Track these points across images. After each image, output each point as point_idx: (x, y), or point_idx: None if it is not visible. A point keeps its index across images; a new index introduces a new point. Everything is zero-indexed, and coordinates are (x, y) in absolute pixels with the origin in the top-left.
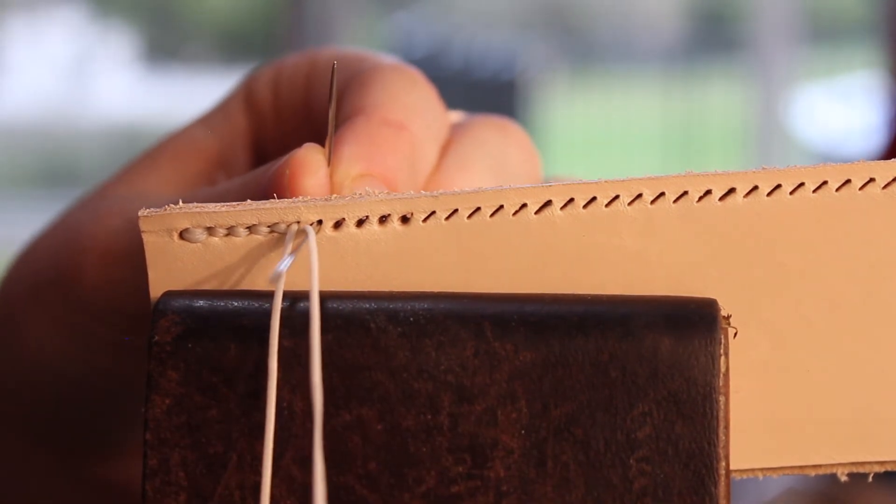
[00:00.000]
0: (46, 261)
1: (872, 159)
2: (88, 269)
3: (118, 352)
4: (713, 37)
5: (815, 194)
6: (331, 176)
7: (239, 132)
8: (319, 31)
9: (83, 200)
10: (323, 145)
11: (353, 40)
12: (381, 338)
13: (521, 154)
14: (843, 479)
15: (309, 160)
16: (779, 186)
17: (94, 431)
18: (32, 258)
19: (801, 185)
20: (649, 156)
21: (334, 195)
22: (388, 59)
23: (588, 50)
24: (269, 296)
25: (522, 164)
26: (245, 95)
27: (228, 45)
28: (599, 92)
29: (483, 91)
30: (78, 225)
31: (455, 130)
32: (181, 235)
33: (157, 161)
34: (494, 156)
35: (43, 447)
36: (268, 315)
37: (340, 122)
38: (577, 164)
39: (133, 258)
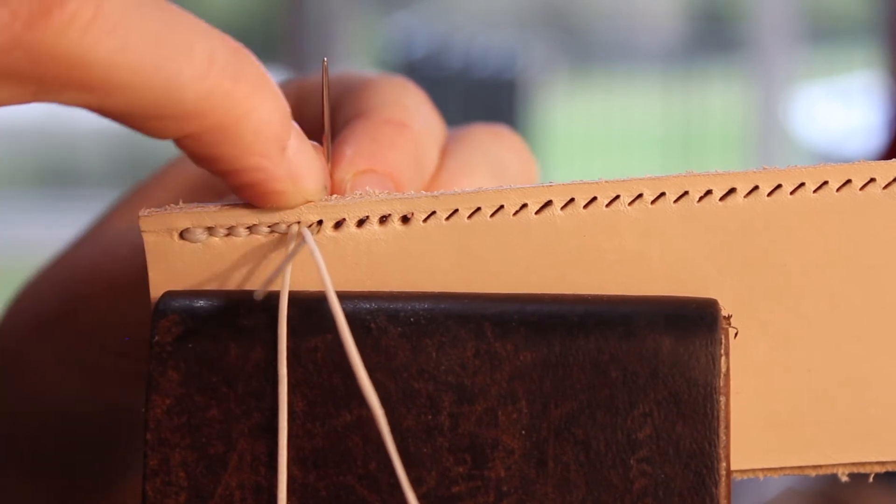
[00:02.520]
0: (51, 296)
1: (873, 159)
2: (96, 301)
3: (125, 384)
4: (713, 37)
5: (815, 194)
6: (331, 175)
7: None
8: (319, 31)
9: (82, 238)
10: None
11: (353, 40)
12: (382, 338)
13: (518, 158)
14: (844, 479)
15: None
16: (779, 186)
17: (94, 473)
18: (36, 295)
19: (802, 185)
20: (649, 156)
21: (335, 195)
22: (377, 72)
23: (588, 50)
24: (270, 296)
25: (520, 168)
26: None
27: None
28: (599, 92)
29: (483, 91)
30: (82, 260)
31: (452, 137)
32: (182, 235)
33: (151, 193)
34: (494, 160)
35: (42, 487)
36: (268, 315)
37: (340, 128)
38: (577, 164)
39: (141, 286)
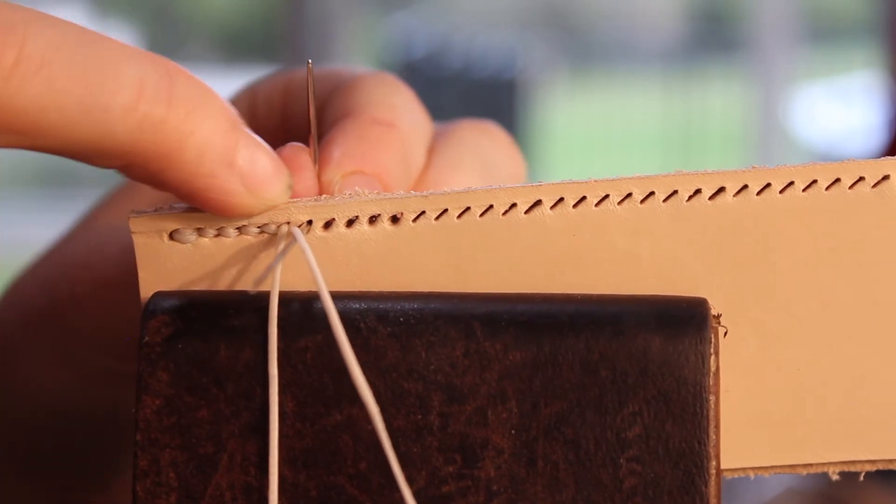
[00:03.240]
0: (40, 293)
1: (869, 158)
2: (85, 297)
3: (115, 380)
4: (713, 37)
5: (804, 193)
6: (319, 175)
7: None
8: (319, 31)
9: (71, 233)
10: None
11: (353, 40)
12: (371, 338)
13: (506, 156)
14: (835, 477)
15: (294, 158)
16: (768, 185)
17: (89, 473)
18: (24, 291)
19: (791, 184)
20: (649, 156)
21: (324, 195)
22: (365, 69)
23: (588, 50)
24: (260, 296)
25: (508, 166)
26: None
27: (228, 45)
28: (599, 92)
29: (483, 91)
30: (71, 257)
31: (439, 134)
32: (171, 236)
33: (139, 188)
34: (482, 157)
35: (34, 483)
36: (258, 315)
37: (327, 127)
38: (577, 164)
39: (132, 285)
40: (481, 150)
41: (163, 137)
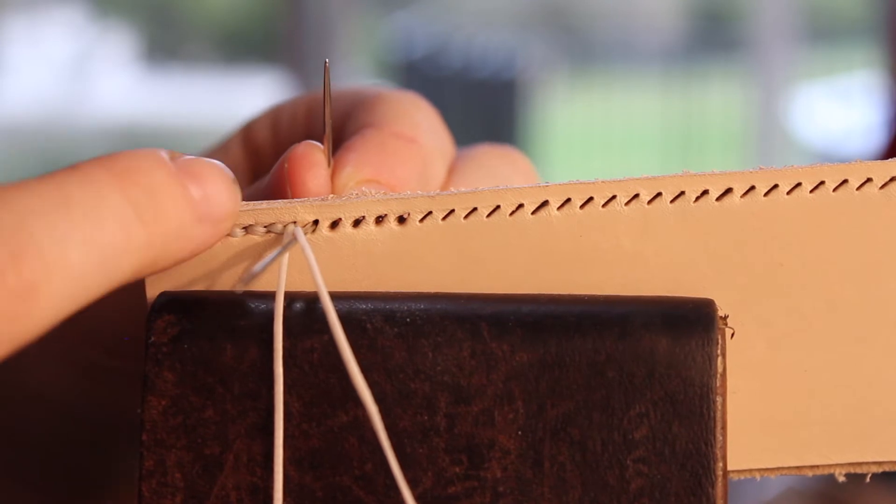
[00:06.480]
0: None
1: (872, 159)
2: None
3: (122, 383)
4: (713, 37)
5: (812, 194)
6: (333, 177)
7: (237, 168)
8: (319, 31)
9: None
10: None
11: (353, 40)
12: (378, 338)
13: (525, 181)
14: (841, 479)
15: (308, 154)
16: (776, 186)
17: (93, 474)
18: None
19: (798, 185)
20: (649, 156)
21: (331, 196)
22: (389, 87)
23: (588, 50)
24: (266, 296)
25: None
26: (243, 136)
27: (228, 45)
28: (599, 92)
29: (483, 91)
30: None
31: (460, 156)
32: None
33: None
34: (501, 181)
35: (33, 491)
36: (264, 315)
37: (349, 137)
38: (577, 164)
39: (140, 285)
40: (500, 174)
41: (166, 242)
